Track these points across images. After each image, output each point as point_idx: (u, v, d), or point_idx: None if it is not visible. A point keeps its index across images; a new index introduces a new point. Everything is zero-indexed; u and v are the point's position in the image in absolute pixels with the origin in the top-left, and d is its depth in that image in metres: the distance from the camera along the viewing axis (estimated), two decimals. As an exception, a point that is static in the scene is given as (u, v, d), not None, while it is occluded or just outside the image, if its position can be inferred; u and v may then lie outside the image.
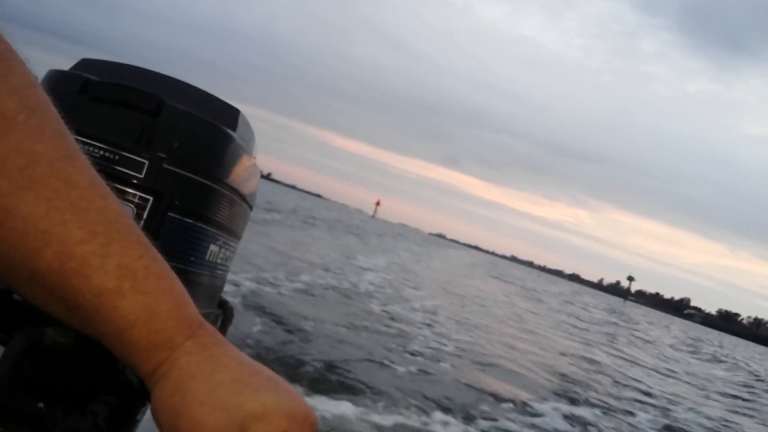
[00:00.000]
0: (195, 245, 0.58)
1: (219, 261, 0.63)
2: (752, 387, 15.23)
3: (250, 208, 0.69)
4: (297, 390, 0.46)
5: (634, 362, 12.92)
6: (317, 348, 5.52)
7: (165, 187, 0.55)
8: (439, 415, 4.79)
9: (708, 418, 8.63)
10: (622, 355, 13.67)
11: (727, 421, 8.94)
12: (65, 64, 0.62)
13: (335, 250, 16.20)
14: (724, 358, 24.93)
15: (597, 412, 6.64)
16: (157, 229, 0.55)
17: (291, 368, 4.70)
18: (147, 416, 0.52)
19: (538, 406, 6.04)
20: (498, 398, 5.89)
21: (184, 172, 0.56)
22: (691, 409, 8.94)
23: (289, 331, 5.79)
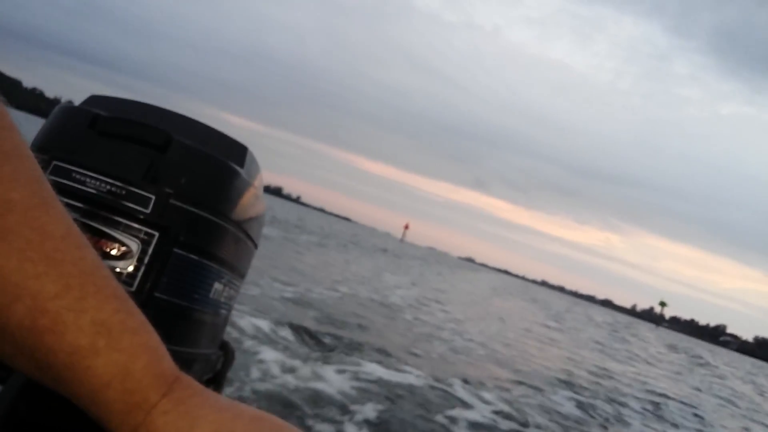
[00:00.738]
0: (199, 282, 0.57)
1: (223, 299, 0.62)
2: None
3: (255, 246, 0.68)
4: (290, 421, 0.44)
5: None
6: (364, 337, 6.80)
7: (171, 222, 0.55)
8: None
9: None
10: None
11: None
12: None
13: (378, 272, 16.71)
14: None
15: None
16: (162, 265, 0.54)
17: (349, 347, 6.12)
18: None
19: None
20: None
21: (190, 208, 0.56)
22: None
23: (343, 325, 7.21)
